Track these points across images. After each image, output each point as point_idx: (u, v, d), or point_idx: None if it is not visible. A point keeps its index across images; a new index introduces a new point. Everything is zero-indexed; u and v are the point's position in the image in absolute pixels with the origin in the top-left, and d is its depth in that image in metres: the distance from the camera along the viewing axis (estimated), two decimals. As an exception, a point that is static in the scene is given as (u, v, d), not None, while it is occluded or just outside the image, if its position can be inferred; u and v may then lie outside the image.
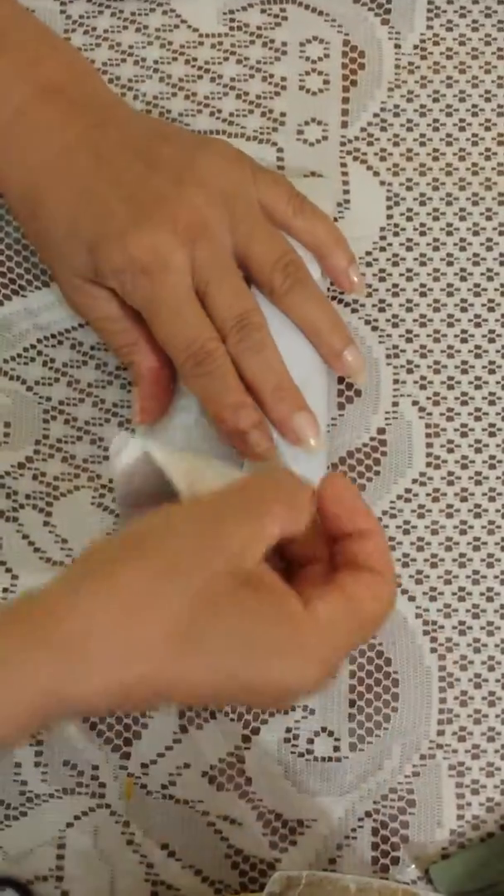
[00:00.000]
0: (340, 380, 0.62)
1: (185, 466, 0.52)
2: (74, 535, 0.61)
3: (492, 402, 0.63)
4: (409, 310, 0.64)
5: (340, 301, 0.64)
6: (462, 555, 0.61)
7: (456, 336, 0.63)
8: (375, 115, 0.66)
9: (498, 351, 0.63)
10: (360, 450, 0.62)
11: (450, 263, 0.64)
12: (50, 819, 0.59)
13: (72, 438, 0.62)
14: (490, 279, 0.64)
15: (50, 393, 0.63)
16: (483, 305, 0.64)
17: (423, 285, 0.64)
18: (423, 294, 0.64)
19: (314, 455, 0.58)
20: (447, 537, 0.61)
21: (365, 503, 0.51)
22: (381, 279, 0.64)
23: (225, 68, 0.67)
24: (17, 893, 0.58)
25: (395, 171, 0.65)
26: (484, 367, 0.63)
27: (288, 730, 0.59)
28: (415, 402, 0.63)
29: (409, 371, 0.63)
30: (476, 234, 0.65)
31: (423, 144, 0.66)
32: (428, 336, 0.63)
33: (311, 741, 0.59)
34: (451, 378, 0.63)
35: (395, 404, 0.63)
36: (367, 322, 0.64)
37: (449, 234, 0.65)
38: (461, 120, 0.66)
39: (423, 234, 0.65)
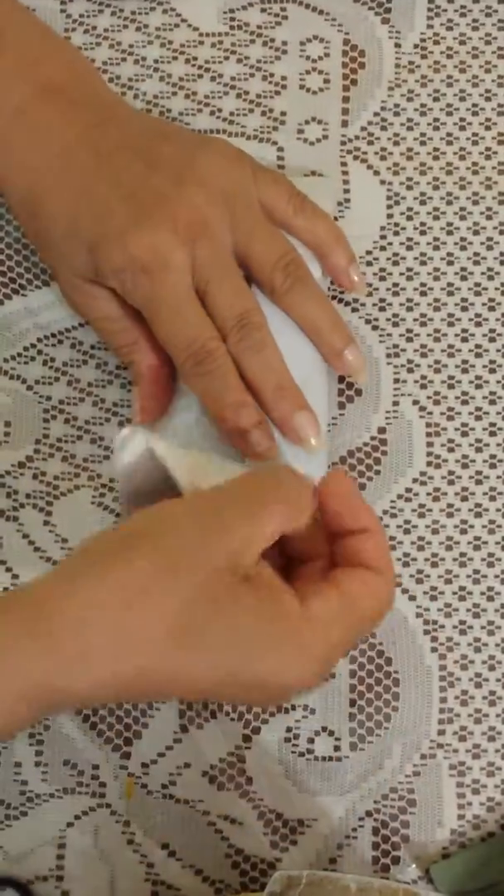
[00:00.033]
0: (341, 379, 0.62)
1: (187, 463, 0.52)
2: (74, 535, 0.61)
3: (492, 402, 0.63)
4: (409, 309, 0.64)
5: (341, 300, 0.64)
6: (462, 554, 0.61)
7: (456, 335, 0.63)
8: (376, 114, 0.66)
9: (498, 350, 0.63)
10: (360, 449, 0.62)
11: (450, 263, 0.64)
12: (50, 819, 0.59)
13: (72, 438, 0.62)
14: (490, 278, 0.64)
15: (50, 392, 0.63)
16: (483, 305, 0.64)
17: (423, 284, 0.64)
18: (423, 293, 0.64)
19: (315, 454, 0.58)
20: (448, 537, 0.61)
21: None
22: (382, 278, 0.64)
23: (225, 67, 0.67)
24: (17, 893, 0.58)
25: (396, 171, 0.65)
26: (484, 366, 0.63)
27: (288, 729, 0.59)
28: (415, 402, 0.63)
29: (410, 370, 0.63)
30: (476, 233, 0.64)
31: (423, 143, 0.66)
32: (428, 335, 0.63)
33: (311, 741, 0.59)
34: (451, 377, 0.63)
35: (395, 403, 0.63)
36: (368, 321, 0.64)
37: (449, 233, 0.65)
38: (461, 119, 0.66)
39: (423, 233, 0.65)
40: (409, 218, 0.65)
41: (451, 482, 0.62)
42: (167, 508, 0.49)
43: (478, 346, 0.63)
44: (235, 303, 0.57)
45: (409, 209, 0.65)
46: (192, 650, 0.46)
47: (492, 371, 0.63)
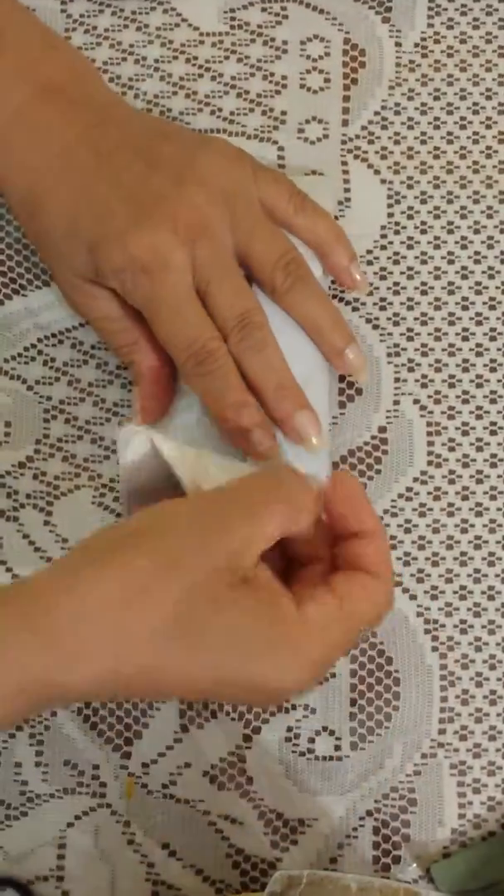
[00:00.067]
0: (342, 378, 0.62)
1: (190, 461, 0.52)
2: (75, 535, 0.61)
3: (493, 401, 0.63)
4: (410, 308, 0.64)
5: (341, 299, 0.64)
6: (463, 553, 0.61)
7: (457, 334, 0.63)
8: (376, 113, 0.66)
9: (499, 349, 0.63)
10: (361, 448, 0.62)
11: (451, 262, 0.64)
12: (50, 819, 0.59)
13: (72, 438, 0.62)
14: (491, 277, 0.64)
15: (50, 392, 0.63)
16: (484, 304, 0.64)
17: (424, 284, 0.64)
18: (424, 292, 0.64)
19: (317, 453, 0.58)
20: (448, 536, 0.61)
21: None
22: (382, 277, 0.64)
23: (225, 67, 0.67)
24: (17, 893, 0.58)
25: (396, 170, 0.65)
26: (485, 365, 0.63)
27: (289, 729, 0.59)
28: (416, 401, 0.63)
29: (411, 370, 0.63)
30: (477, 232, 0.64)
31: (423, 143, 0.66)
32: (429, 334, 0.63)
33: (312, 740, 0.59)
34: (452, 376, 0.63)
35: (396, 403, 0.63)
36: (368, 320, 0.64)
37: (450, 232, 0.64)
38: (462, 118, 0.66)
39: (423, 232, 0.64)
40: (410, 217, 0.65)
41: (451, 481, 0.62)
42: (168, 508, 0.49)
43: (478, 346, 0.63)
44: (236, 302, 0.57)
45: (410, 208, 0.65)
46: (190, 649, 0.46)
47: (492, 370, 0.63)
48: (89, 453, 0.62)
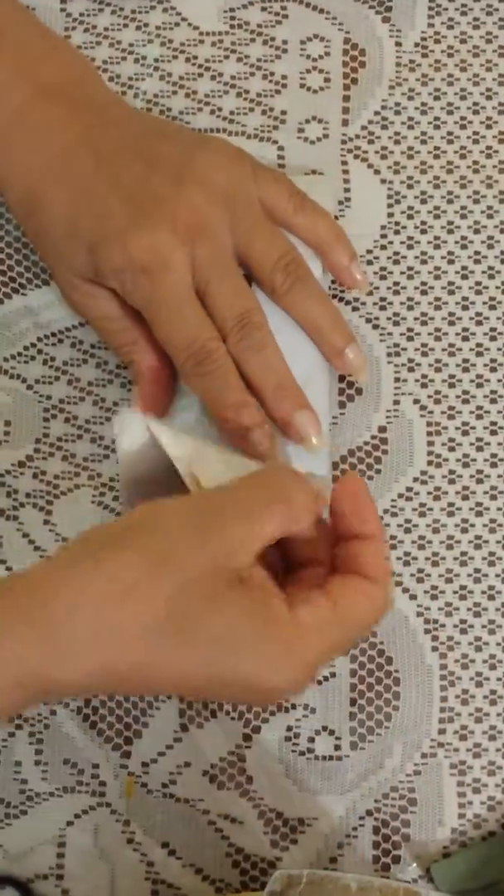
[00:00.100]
0: (341, 378, 0.62)
1: (189, 449, 0.52)
2: (74, 534, 0.61)
3: (493, 401, 0.63)
4: (410, 308, 0.64)
5: (341, 299, 0.64)
6: (463, 553, 0.61)
7: (457, 334, 0.63)
8: (376, 112, 0.66)
9: (499, 349, 0.63)
10: (361, 448, 0.62)
11: (451, 262, 0.64)
12: (50, 818, 0.59)
13: (72, 437, 0.62)
14: (491, 277, 0.64)
15: (50, 391, 0.63)
16: (484, 304, 0.64)
17: (424, 283, 0.64)
18: (424, 292, 0.64)
19: (317, 453, 0.58)
20: (448, 536, 0.61)
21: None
22: (382, 277, 0.64)
23: (225, 66, 0.67)
24: (17, 892, 0.58)
25: (396, 170, 0.65)
26: (485, 365, 0.63)
27: (289, 728, 0.59)
28: (416, 401, 0.63)
29: (411, 369, 0.63)
30: (477, 231, 0.64)
31: (423, 142, 0.66)
32: (429, 334, 0.63)
33: (311, 740, 0.59)
34: (452, 376, 0.63)
35: (396, 403, 0.63)
36: (368, 320, 0.64)
37: (450, 232, 0.64)
38: (462, 118, 0.66)
39: (423, 232, 0.64)
40: (410, 217, 0.65)
41: (451, 481, 0.62)
42: (168, 504, 0.49)
43: (479, 345, 0.63)
44: (235, 303, 0.57)
45: (410, 208, 0.65)
46: (182, 647, 0.46)
47: (493, 370, 0.63)
48: (89, 452, 0.62)
